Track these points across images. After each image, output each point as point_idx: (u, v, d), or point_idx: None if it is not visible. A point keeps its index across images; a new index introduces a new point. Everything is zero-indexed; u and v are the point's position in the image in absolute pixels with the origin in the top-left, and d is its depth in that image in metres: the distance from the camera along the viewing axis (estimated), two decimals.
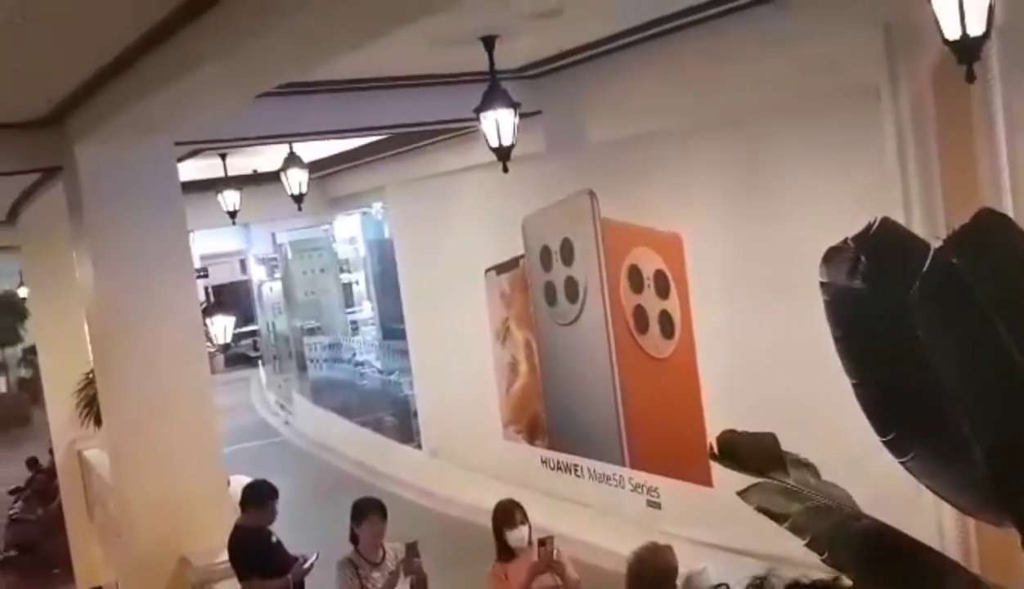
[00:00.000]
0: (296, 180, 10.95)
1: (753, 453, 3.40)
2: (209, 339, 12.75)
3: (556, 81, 8.92)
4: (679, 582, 5.08)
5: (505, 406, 12.72)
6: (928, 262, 2.97)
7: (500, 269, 12.34)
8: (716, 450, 3.46)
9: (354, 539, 6.29)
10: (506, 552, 5.97)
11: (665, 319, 9.77)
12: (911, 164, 5.97)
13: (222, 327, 13.98)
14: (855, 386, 3.14)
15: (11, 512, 16.90)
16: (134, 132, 6.80)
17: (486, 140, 7.30)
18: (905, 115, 5.99)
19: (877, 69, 6.08)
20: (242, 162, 11.72)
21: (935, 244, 3.01)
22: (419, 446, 15.18)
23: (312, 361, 21.92)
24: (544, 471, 11.80)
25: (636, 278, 10.08)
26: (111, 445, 8.08)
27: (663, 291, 9.73)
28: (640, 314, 10.09)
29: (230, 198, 11.86)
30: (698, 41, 7.42)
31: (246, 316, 27.46)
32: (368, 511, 6.27)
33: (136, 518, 7.45)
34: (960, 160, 5.75)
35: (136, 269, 7.23)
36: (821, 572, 2.91)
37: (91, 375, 10.04)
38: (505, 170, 7.35)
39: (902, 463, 3.14)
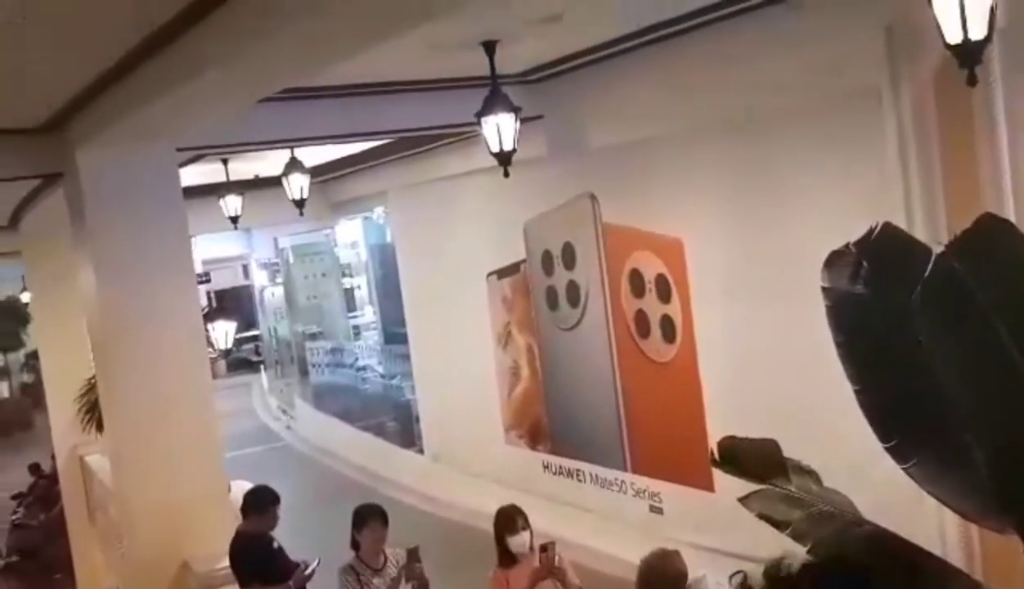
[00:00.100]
0: (298, 185, 10.95)
1: (754, 459, 3.40)
2: (211, 344, 12.75)
3: (557, 86, 8.91)
4: None
5: (507, 411, 12.70)
6: (930, 267, 2.97)
7: (502, 273, 12.33)
8: (717, 456, 3.46)
9: (355, 545, 6.27)
10: (507, 558, 5.96)
11: (667, 323, 9.76)
12: (912, 167, 5.95)
13: (224, 332, 14.00)
14: (857, 391, 3.14)
15: (13, 517, 16.87)
16: (136, 138, 6.78)
17: (487, 145, 7.28)
18: (907, 118, 5.97)
19: (878, 72, 6.07)
20: (244, 167, 11.72)
21: (937, 249, 3.01)
22: (421, 451, 15.16)
23: (314, 366, 21.87)
24: (546, 476, 11.79)
25: (637, 282, 10.07)
26: (112, 450, 8.08)
27: (664, 295, 9.72)
28: (641, 318, 10.08)
29: (232, 203, 11.84)
30: (698, 45, 7.40)
31: (248, 321, 27.42)
32: (369, 517, 6.27)
33: (137, 523, 7.43)
34: (962, 163, 5.73)
35: (138, 274, 7.22)
36: None
37: (93, 381, 10.04)
38: (506, 175, 7.33)
39: (904, 469, 3.14)
